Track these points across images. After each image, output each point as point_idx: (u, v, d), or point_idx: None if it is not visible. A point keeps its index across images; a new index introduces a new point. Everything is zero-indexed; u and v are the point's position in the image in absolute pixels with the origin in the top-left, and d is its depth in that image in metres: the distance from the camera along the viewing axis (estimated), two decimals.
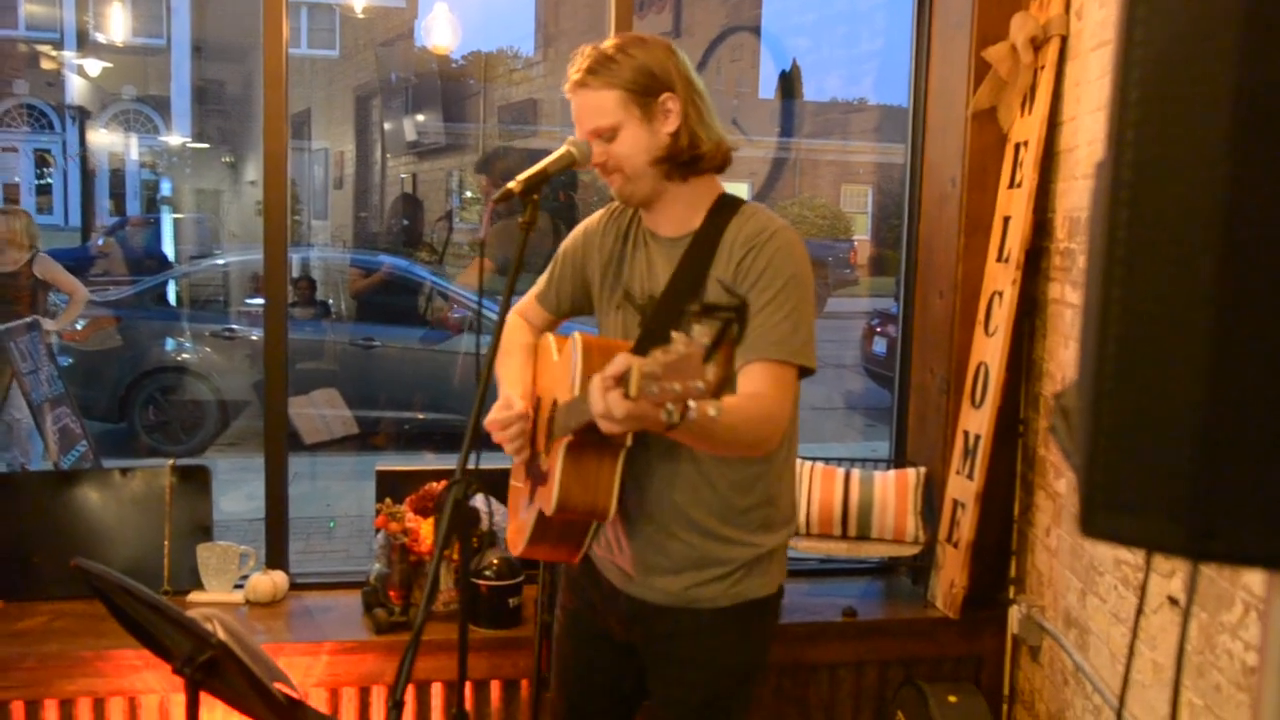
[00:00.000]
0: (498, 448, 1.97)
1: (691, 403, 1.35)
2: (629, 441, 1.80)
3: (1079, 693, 2.75)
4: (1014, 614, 3.08)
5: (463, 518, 1.73)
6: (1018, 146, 3.01)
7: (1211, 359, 0.74)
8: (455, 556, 2.86)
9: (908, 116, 3.41)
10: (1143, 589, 2.20)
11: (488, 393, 1.82)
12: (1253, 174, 0.74)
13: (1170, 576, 2.28)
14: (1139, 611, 2.21)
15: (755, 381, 1.81)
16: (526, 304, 2.23)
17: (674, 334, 1.38)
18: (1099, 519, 0.79)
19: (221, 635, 1.81)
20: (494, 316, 1.92)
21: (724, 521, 1.96)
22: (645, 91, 1.88)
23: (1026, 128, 2.97)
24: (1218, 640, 2.10)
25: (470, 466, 1.77)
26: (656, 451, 1.91)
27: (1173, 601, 2.25)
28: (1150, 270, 0.75)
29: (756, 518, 1.98)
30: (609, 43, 1.92)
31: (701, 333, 1.36)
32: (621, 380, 1.44)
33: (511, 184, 1.83)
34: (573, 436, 1.77)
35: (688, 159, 1.92)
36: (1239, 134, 0.74)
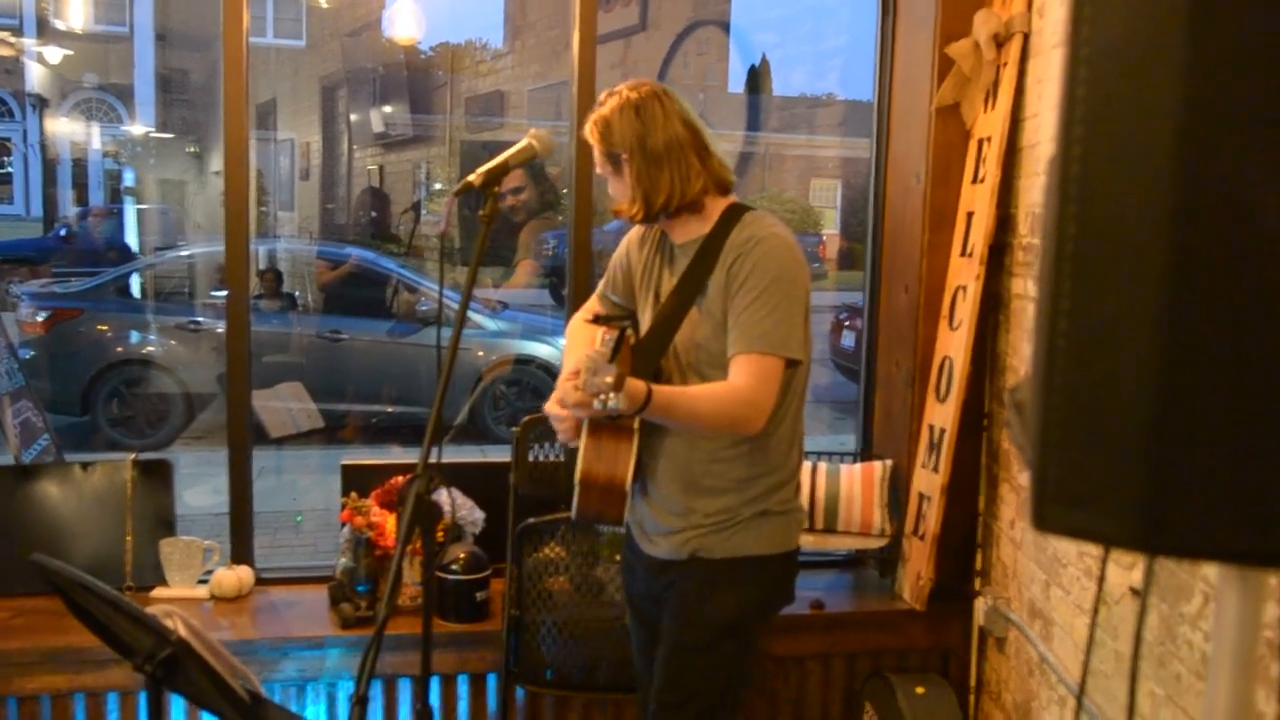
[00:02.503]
0: (458, 442, 2.14)
1: (610, 395, 1.77)
2: (637, 424, 2.09)
3: (1044, 683, 2.78)
4: (980, 606, 3.11)
5: (425, 511, 1.73)
6: (981, 142, 3.03)
7: (1161, 352, 0.75)
8: (420, 550, 2.86)
9: (872, 111, 3.43)
10: (1100, 579, 2.22)
11: (449, 387, 1.84)
12: (1201, 166, 0.75)
13: (1132, 568, 2.30)
14: (1098, 602, 2.24)
15: (737, 372, 2.06)
16: (593, 302, 2.49)
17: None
18: (1051, 513, 0.80)
19: (181, 632, 1.80)
20: (449, 306, 1.93)
21: (709, 485, 2.17)
22: (612, 150, 2.15)
23: (989, 124, 2.98)
24: (1178, 630, 2.13)
25: (433, 461, 1.81)
26: (658, 432, 2.18)
27: (1135, 592, 2.28)
28: (1099, 264, 0.76)
29: (743, 483, 2.18)
30: (607, 95, 2.18)
31: (605, 338, 1.82)
32: (576, 374, 1.83)
33: (472, 177, 1.84)
34: (591, 420, 2.08)
35: (645, 211, 2.16)
36: (1187, 127, 0.75)
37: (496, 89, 13.76)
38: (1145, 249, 0.76)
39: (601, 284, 2.48)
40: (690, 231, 2.20)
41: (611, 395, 1.77)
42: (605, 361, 1.79)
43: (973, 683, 3.19)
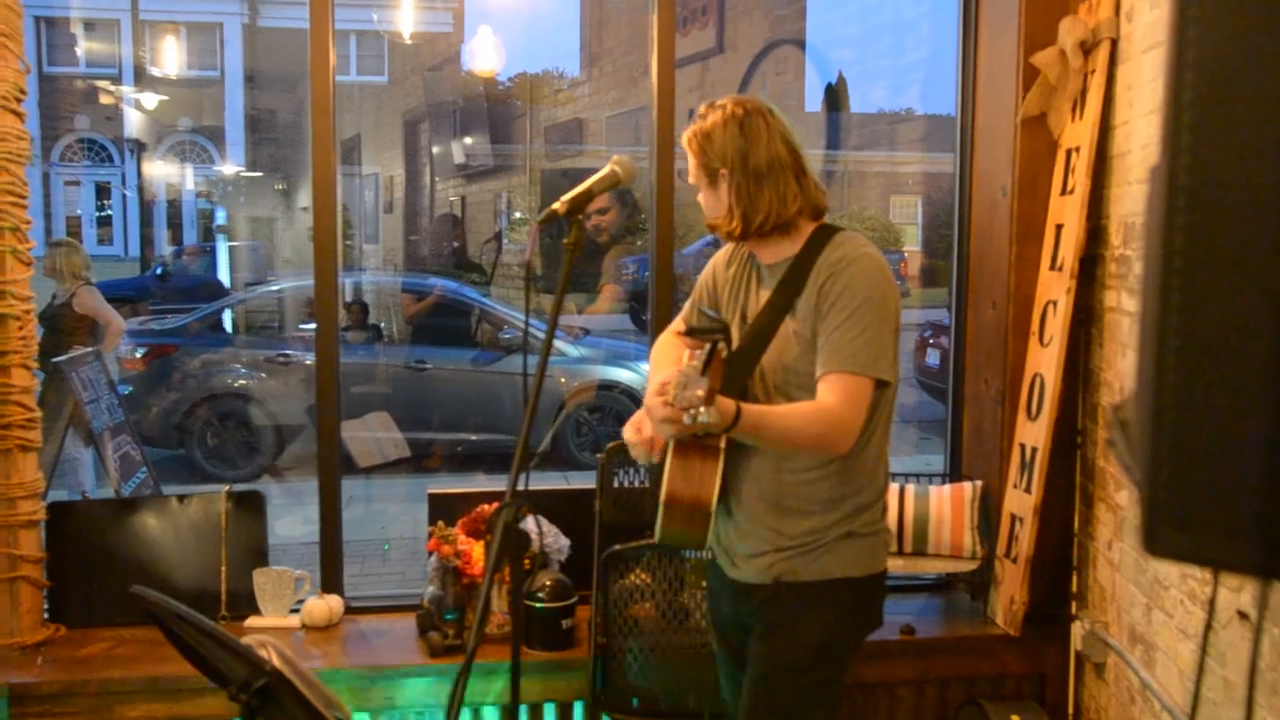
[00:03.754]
0: (542, 469, 2.14)
1: (700, 409, 1.71)
2: (723, 444, 2.05)
3: (1146, 710, 2.67)
4: (1077, 630, 3.01)
5: (513, 540, 1.73)
6: (1069, 153, 2.96)
7: (1278, 369, 0.71)
8: (508, 579, 2.86)
9: (956, 125, 3.37)
10: (1211, 604, 2.14)
11: (536, 414, 1.83)
12: None
13: (1239, 590, 2.21)
14: (1208, 627, 2.15)
15: (826, 391, 2.05)
16: (677, 324, 2.46)
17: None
18: (1163, 537, 0.76)
19: (276, 662, 1.82)
20: (532, 334, 1.94)
21: (796, 507, 2.15)
22: (711, 165, 2.14)
23: (1078, 133, 2.91)
24: None
25: (520, 488, 1.80)
26: (743, 450, 2.15)
27: (1242, 616, 2.18)
28: (1210, 278, 0.72)
29: (830, 505, 2.15)
30: (709, 107, 2.17)
31: (696, 353, 1.76)
32: (664, 389, 1.80)
33: (556, 205, 1.85)
34: (675, 440, 2.05)
35: (743, 228, 2.15)
36: None
37: (575, 117, 13.87)
38: (1258, 260, 0.72)
39: (687, 305, 2.46)
40: (780, 252, 2.18)
41: (702, 410, 1.73)
42: (697, 375, 1.75)
43: (1070, 710, 3.09)
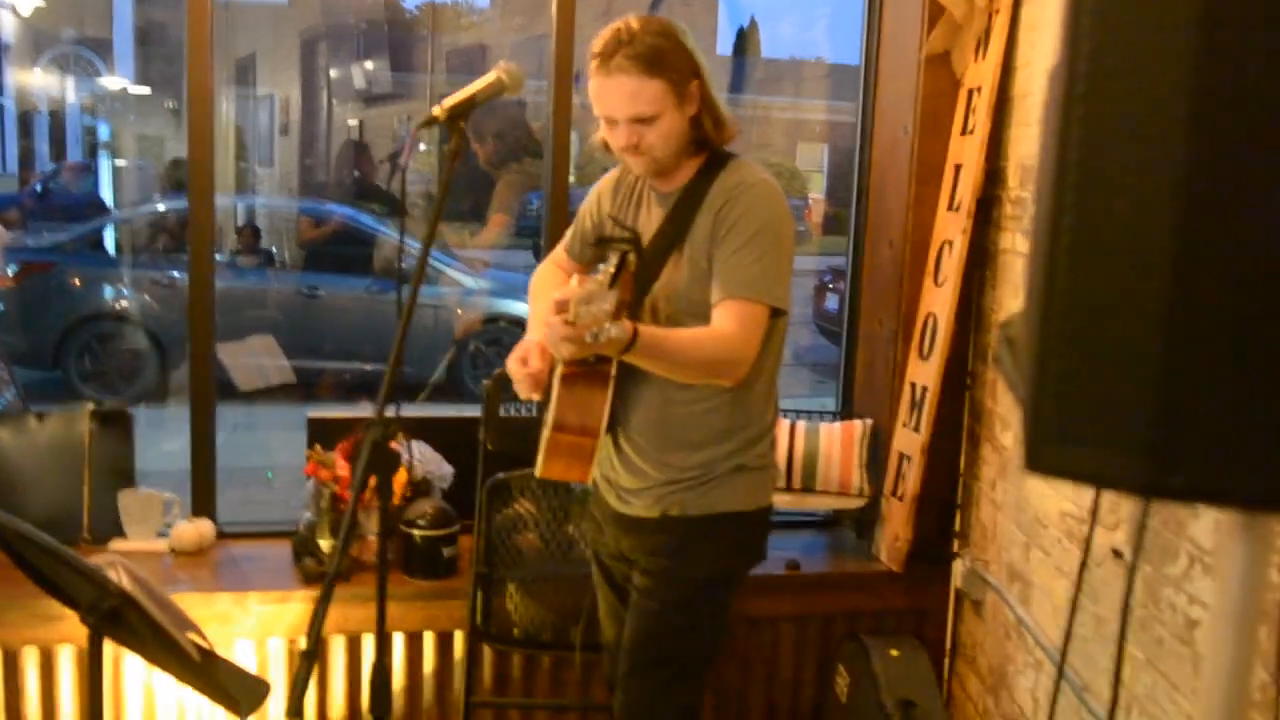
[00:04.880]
0: (437, 401, 2.06)
1: (607, 324, 1.62)
2: (613, 370, 1.98)
3: (1020, 646, 2.72)
4: (958, 568, 3.05)
5: (382, 459, 1.65)
6: (971, 92, 2.93)
7: (1175, 274, 0.67)
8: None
9: (860, 61, 3.32)
10: (1088, 542, 2.16)
11: (406, 338, 1.75)
12: (1220, 67, 0.66)
13: (1115, 529, 2.24)
14: (1084, 564, 2.17)
15: (722, 317, 1.98)
16: (557, 254, 2.40)
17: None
18: (1047, 453, 0.72)
19: (125, 583, 1.72)
20: (430, 266, 1.85)
21: (686, 439, 2.09)
22: (683, 80, 1.99)
23: (980, 73, 2.89)
24: (1161, 593, 2.07)
25: (401, 415, 1.73)
26: (631, 380, 2.06)
27: (1116, 554, 2.22)
28: (1105, 174, 0.67)
29: (720, 437, 2.10)
30: (641, 26, 1.97)
31: (607, 263, 1.67)
32: (563, 307, 1.69)
33: (436, 110, 1.75)
34: (564, 367, 1.96)
35: (708, 139, 2.07)
36: (1206, 22, 0.66)
37: (479, 42, 13.52)
38: (1157, 156, 0.67)
39: (569, 233, 2.37)
40: (676, 179, 2.11)
41: (608, 325, 1.64)
42: (603, 289, 1.66)
43: (948, 645, 3.14)
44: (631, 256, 1.86)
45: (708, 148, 2.10)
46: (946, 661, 3.14)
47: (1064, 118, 0.69)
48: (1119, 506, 2.20)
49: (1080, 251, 0.71)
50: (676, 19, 2.04)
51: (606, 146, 2.11)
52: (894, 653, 2.94)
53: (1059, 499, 2.49)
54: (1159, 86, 0.68)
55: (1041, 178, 0.76)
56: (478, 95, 1.83)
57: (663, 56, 1.95)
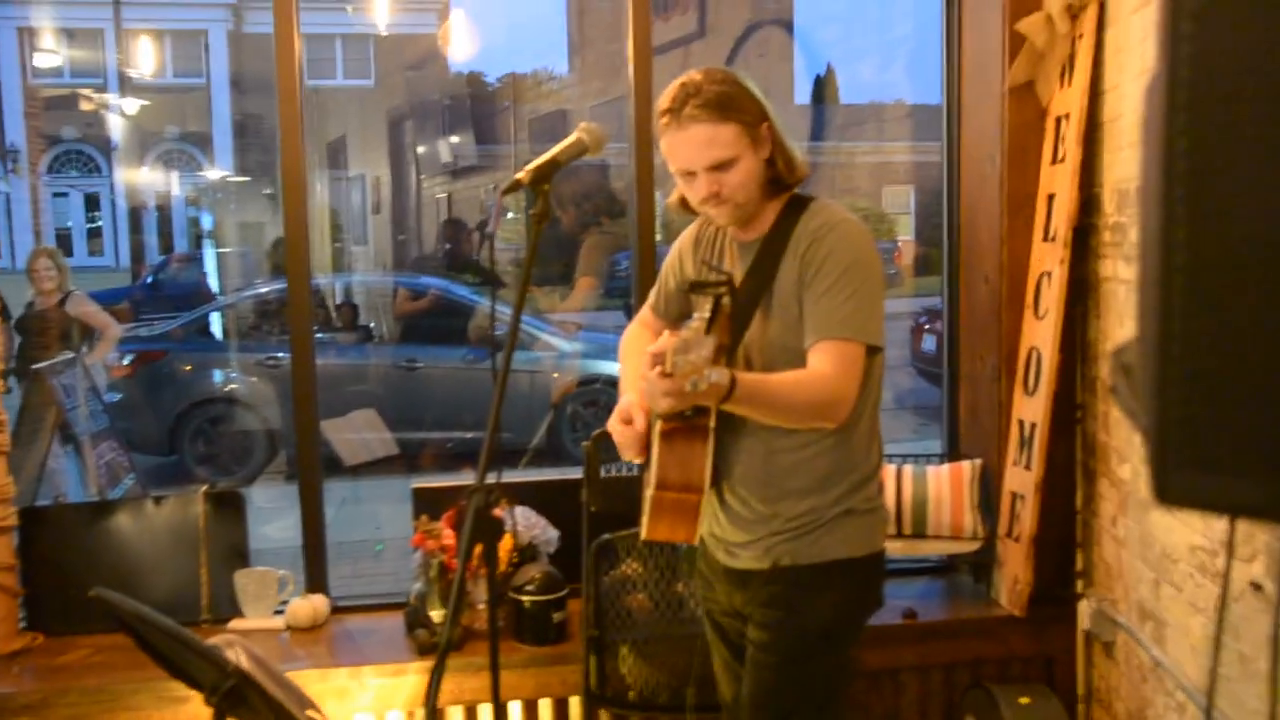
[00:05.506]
0: (538, 465, 2.05)
1: (706, 371, 1.58)
2: (712, 423, 1.94)
3: (1159, 689, 2.59)
4: (1084, 609, 2.93)
5: (486, 526, 1.65)
6: (1058, 120, 2.88)
7: None
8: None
9: (941, 99, 3.29)
10: (1225, 575, 2.05)
11: (502, 403, 1.76)
12: None
13: (1251, 560, 2.13)
14: (1225, 598, 2.07)
15: (819, 359, 1.95)
16: (644, 315, 2.38)
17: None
18: (1176, 483, 0.68)
19: (243, 662, 1.74)
20: (524, 331, 1.85)
21: (792, 486, 2.05)
22: (755, 123, 1.99)
23: (1067, 100, 2.83)
24: None
25: (504, 481, 1.72)
26: (731, 432, 2.03)
27: (1255, 587, 2.10)
28: (1217, 187, 0.64)
29: (826, 482, 2.06)
30: (704, 76, 1.98)
31: (701, 308, 1.64)
32: (659, 359, 1.68)
33: (520, 174, 1.76)
34: (663, 422, 1.94)
35: (782, 180, 2.05)
36: None
37: (559, 109, 13.77)
38: (1273, 163, 0.63)
39: (652, 294, 2.36)
40: (756, 226, 2.09)
41: (708, 371, 1.60)
42: (700, 335, 1.63)
43: (1081, 691, 3.01)
44: (726, 300, 1.80)
45: (785, 190, 2.08)
46: (1081, 708, 3.01)
47: (1167, 131, 0.66)
48: (1254, 536, 2.09)
49: (1197, 270, 0.67)
50: (753, 71, 2.04)
51: (683, 205, 2.10)
52: (1024, 701, 2.83)
53: (1187, 531, 2.39)
54: (1273, 88, 0.65)
55: (1146, 196, 0.72)
56: (560, 156, 1.84)
57: (731, 101, 1.95)
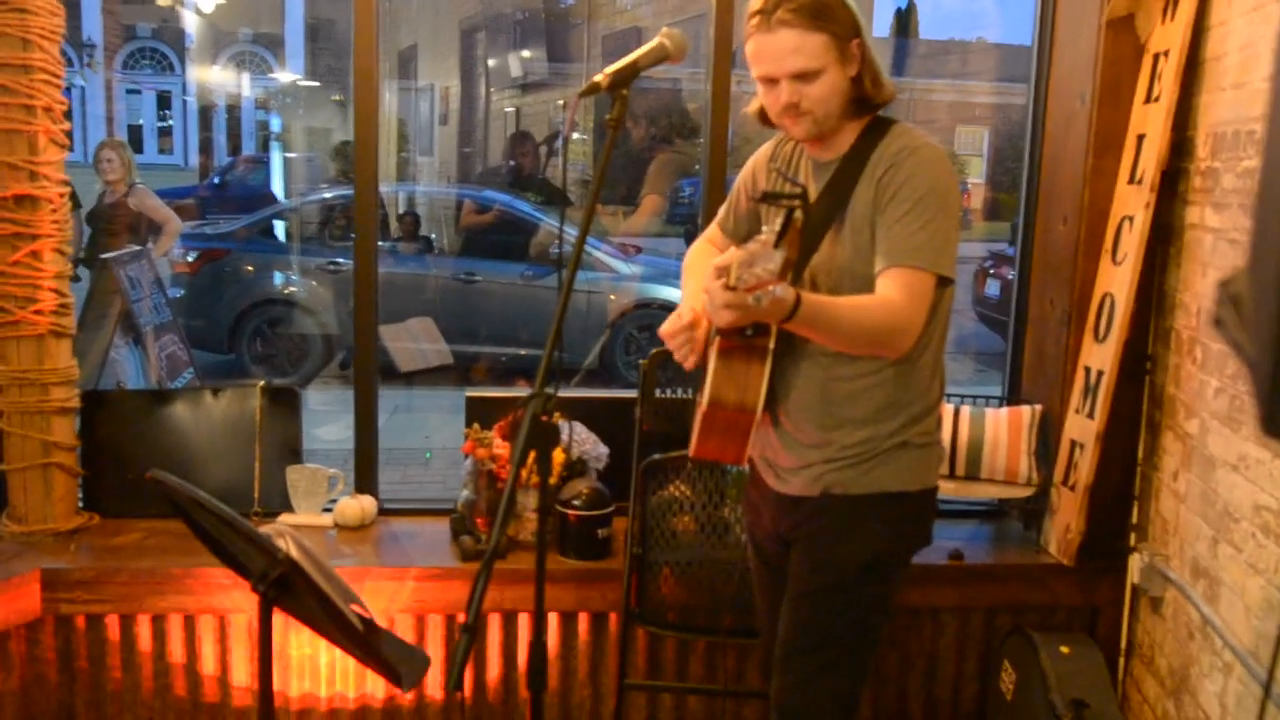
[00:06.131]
0: (590, 385, 1.99)
1: (771, 286, 1.54)
2: (772, 344, 1.88)
3: (1206, 648, 2.55)
4: (1135, 562, 2.88)
5: (542, 434, 1.63)
6: (1156, 57, 2.75)
7: None
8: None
9: (1033, 26, 3.16)
10: None
11: (565, 315, 1.72)
12: None
13: None
14: None
15: (888, 286, 1.89)
16: (712, 231, 2.32)
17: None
18: None
19: (293, 553, 1.75)
20: (584, 251, 1.81)
21: (849, 415, 2.01)
22: (847, 37, 1.91)
23: (1168, 36, 2.71)
24: None
25: (556, 394, 1.70)
26: (790, 355, 2.00)
27: None
28: None
29: (884, 413, 2.02)
30: None
31: (771, 221, 1.58)
32: (723, 272, 1.62)
33: (598, 77, 1.71)
34: (721, 340, 1.87)
35: (868, 100, 1.98)
36: None
37: (634, 26, 13.56)
38: None
39: (721, 210, 2.30)
40: (836, 146, 2.02)
41: (773, 287, 1.54)
42: (768, 249, 1.55)
43: (1123, 644, 2.97)
44: (798, 213, 1.72)
45: (868, 111, 2.00)
46: (1121, 661, 2.97)
47: None
48: None
49: None
50: None
51: (762, 117, 2.03)
52: (1065, 650, 2.80)
53: (1254, 490, 2.32)
54: None
55: (1274, 117, 0.67)
56: (640, 61, 1.79)
57: (826, 9, 1.88)
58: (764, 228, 1.79)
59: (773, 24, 1.88)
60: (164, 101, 25.24)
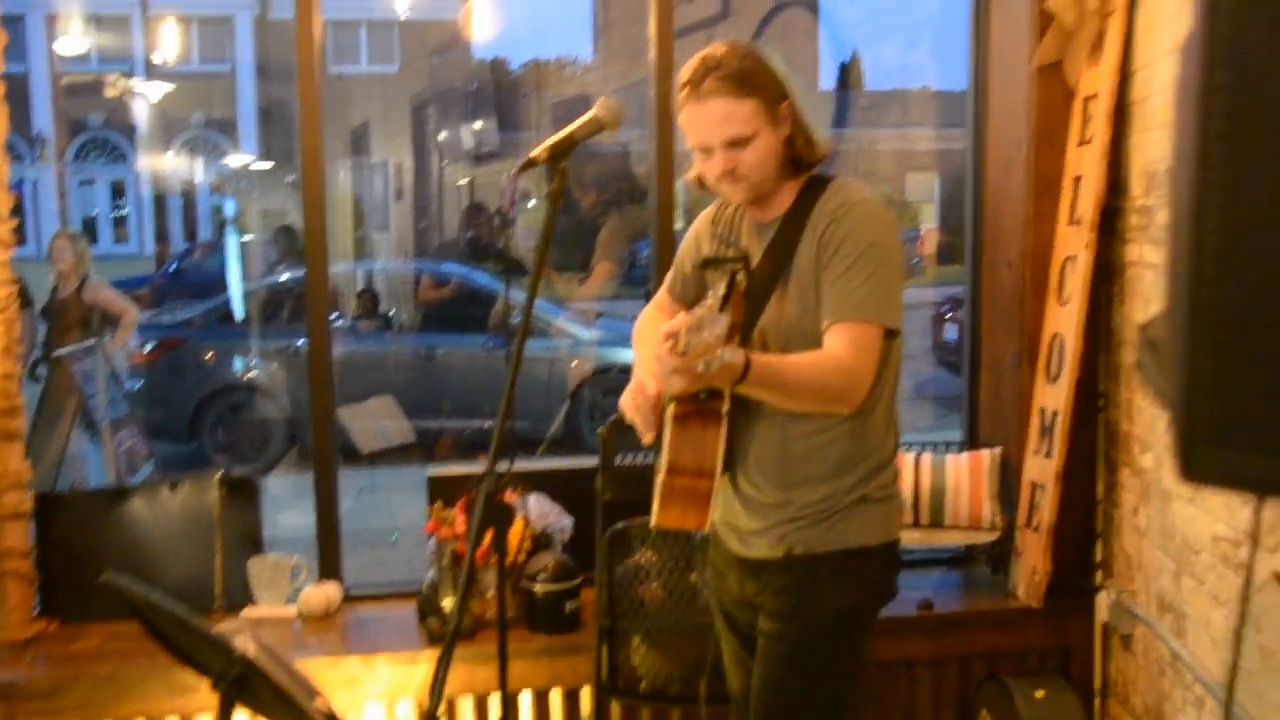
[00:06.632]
0: (556, 453, 2.00)
1: (719, 351, 1.55)
2: (726, 407, 1.90)
3: (1178, 683, 2.54)
4: (1102, 600, 2.88)
5: (496, 513, 1.62)
6: (1086, 100, 2.82)
7: None
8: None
9: (968, 80, 3.23)
10: (1249, 566, 2.01)
11: (514, 389, 1.73)
12: None
13: (1276, 551, 2.08)
14: (1245, 592, 2.02)
15: (835, 341, 1.91)
16: (661, 296, 2.34)
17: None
18: (1202, 459, 0.64)
19: (250, 650, 1.71)
20: (541, 318, 1.82)
21: (807, 473, 2.02)
22: (775, 100, 1.95)
23: (1095, 80, 2.77)
24: None
25: (517, 470, 1.70)
26: (745, 416, 2.00)
27: (1279, 578, 2.05)
28: (1256, 149, 0.60)
29: (842, 468, 2.02)
30: (727, 50, 1.95)
31: (715, 286, 1.62)
32: (671, 336, 1.65)
33: (535, 151, 1.73)
34: (676, 405, 1.89)
35: (802, 160, 2.02)
36: None
37: (581, 94, 13.73)
38: None
39: (669, 276, 2.32)
40: (775, 207, 2.05)
41: (721, 351, 1.57)
42: (713, 314, 1.59)
43: (1097, 684, 2.96)
44: (741, 276, 1.77)
45: (804, 170, 2.04)
46: (1097, 701, 2.96)
47: (1203, 90, 0.62)
48: (1279, 525, 2.04)
49: (1230, 235, 0.63)
50: (776, 52, 1.99)
51: (700, 183, 2.06)
52: (1039, 694, 2.79)
53: (1210, 521, 2.33)
54: None
55: (1179, 160, 0.68)
56: (576, 133, 1.81)
57: (752, 76, 1.92)
58: (709, 292, 1.81)
59: (702, 94, 1.91)
60: (118, 191, 25.19)
